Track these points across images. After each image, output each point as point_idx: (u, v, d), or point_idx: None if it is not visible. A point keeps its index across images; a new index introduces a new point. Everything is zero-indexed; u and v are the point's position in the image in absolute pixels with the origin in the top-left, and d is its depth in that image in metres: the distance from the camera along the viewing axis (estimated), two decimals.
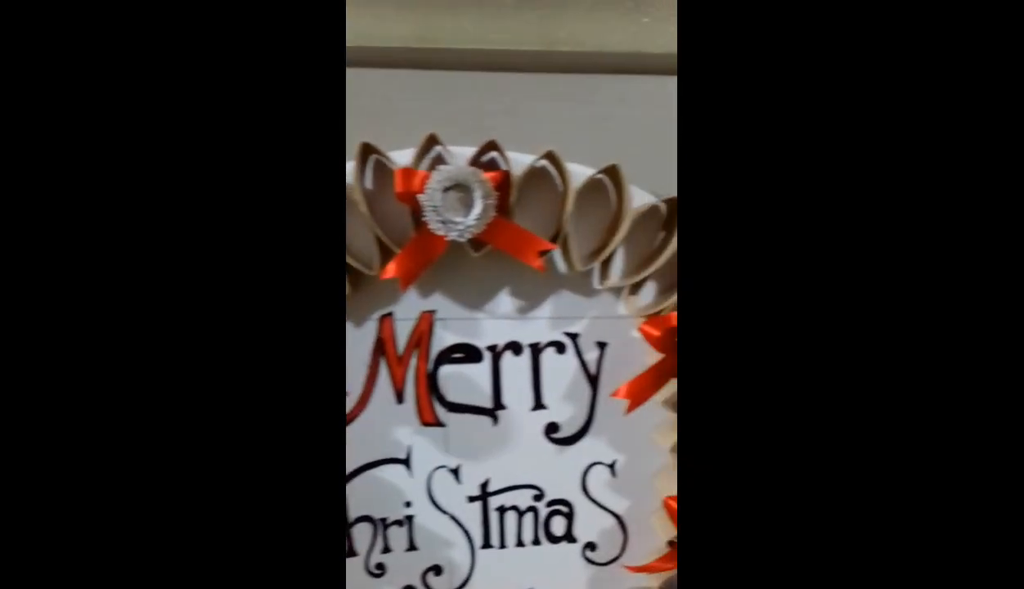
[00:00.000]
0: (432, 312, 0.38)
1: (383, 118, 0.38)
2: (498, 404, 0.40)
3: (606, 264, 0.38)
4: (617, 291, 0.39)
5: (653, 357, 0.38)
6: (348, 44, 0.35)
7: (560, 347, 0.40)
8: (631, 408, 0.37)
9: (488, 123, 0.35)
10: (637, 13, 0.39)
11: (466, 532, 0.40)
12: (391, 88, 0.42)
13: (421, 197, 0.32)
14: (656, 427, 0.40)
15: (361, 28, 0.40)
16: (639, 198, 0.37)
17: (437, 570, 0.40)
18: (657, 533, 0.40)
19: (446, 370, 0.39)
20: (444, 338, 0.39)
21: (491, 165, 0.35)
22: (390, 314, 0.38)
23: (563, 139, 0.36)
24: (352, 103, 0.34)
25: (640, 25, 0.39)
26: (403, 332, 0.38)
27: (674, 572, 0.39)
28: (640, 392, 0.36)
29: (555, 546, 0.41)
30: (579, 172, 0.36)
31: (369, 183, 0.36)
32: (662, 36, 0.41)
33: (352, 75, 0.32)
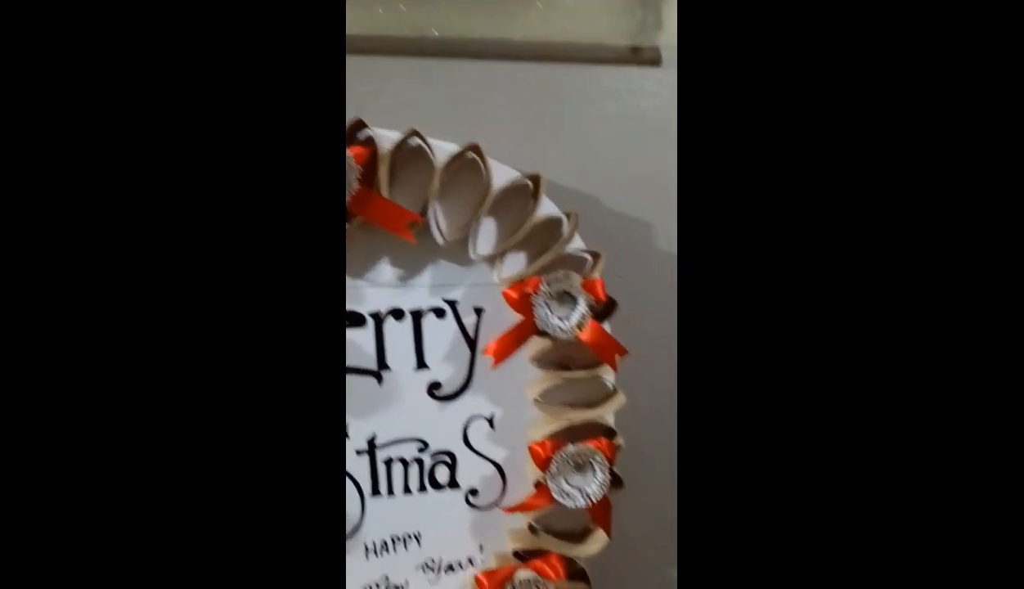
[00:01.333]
0: None
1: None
2: (383, 365, 0.42)
3: (477, 236, 0.40)
4: (491, 260, 0.42)
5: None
6: None
7: (440, 312, 0.42)
8: (496, 363, 0.40)
9: (358, 103, 0.36)
10: (504, 2, 0.41)
11: (355, 482, 0.42)
12: None
13: None
14: (527, 383, 0.43)
15: None
16: (506, 175, 0.40)
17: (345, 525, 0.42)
18: (530, 478, 0.44)
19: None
20: None
21: (358, 141, 0.37)
22: None
23: (430, 119, 0.38)
24: None
25: (503, 12, 0.41)
26: None
27: (543, 510, 0.42)
28: (504, 348, 0.39)
29: (440, 493, 0.44)
30: (444, 149, 0.38)
31: None
32: (534, 25, 0.43)
33: None
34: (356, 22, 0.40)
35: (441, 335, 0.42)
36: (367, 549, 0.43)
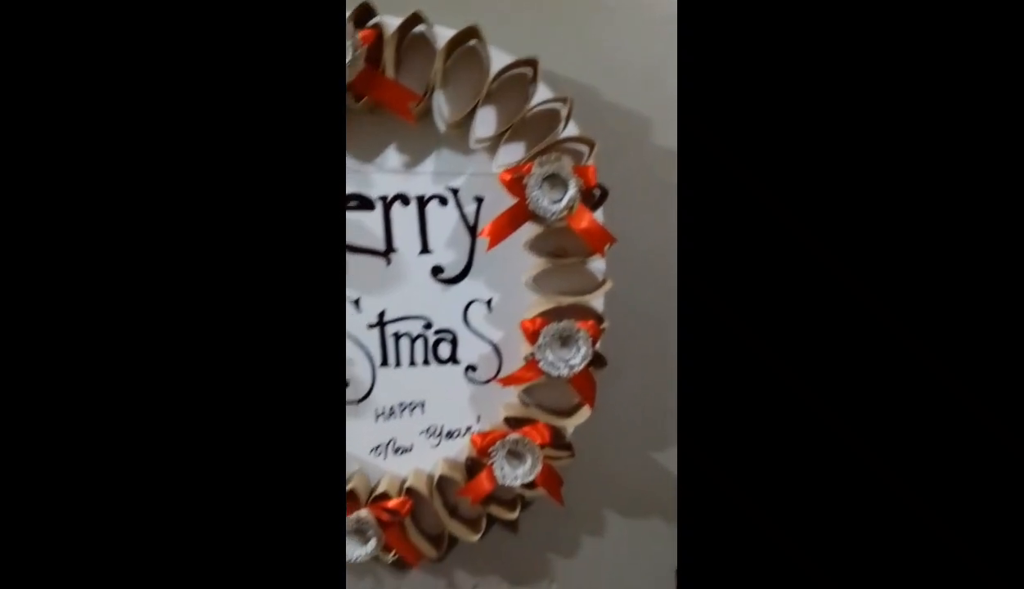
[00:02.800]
0: None
1: None
2: (390, 247, 0.44)
3: (476, 121, 0.41)
4: (490, 149, 0.43)
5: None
6: None
7: (443, 200, 0.44)
8: (491, 245, 0.41)
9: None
10: None
11: (367, 353, 0.46)
12: None
13: None
14: (523, 270, 0.45)
15: None
16: (502, 60, 0.40)
17: (345, 383, 0.47)
18: (522, 356, 0.47)
19: (348, 216, 0.43)
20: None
21: (363, 23, 0.38)
22: None
23: (433, 6, 0.38)
24: None
25: None
26: None
27: (532, 383, 0.45)
28: (499, 230, 0.41)
29: (442, 367, 0.47)
30: (445, 34, 0.39)
31: None
32: None
33: None
34: None
35: (444, 222, 0.44)
36: (376, 414, 0.47)
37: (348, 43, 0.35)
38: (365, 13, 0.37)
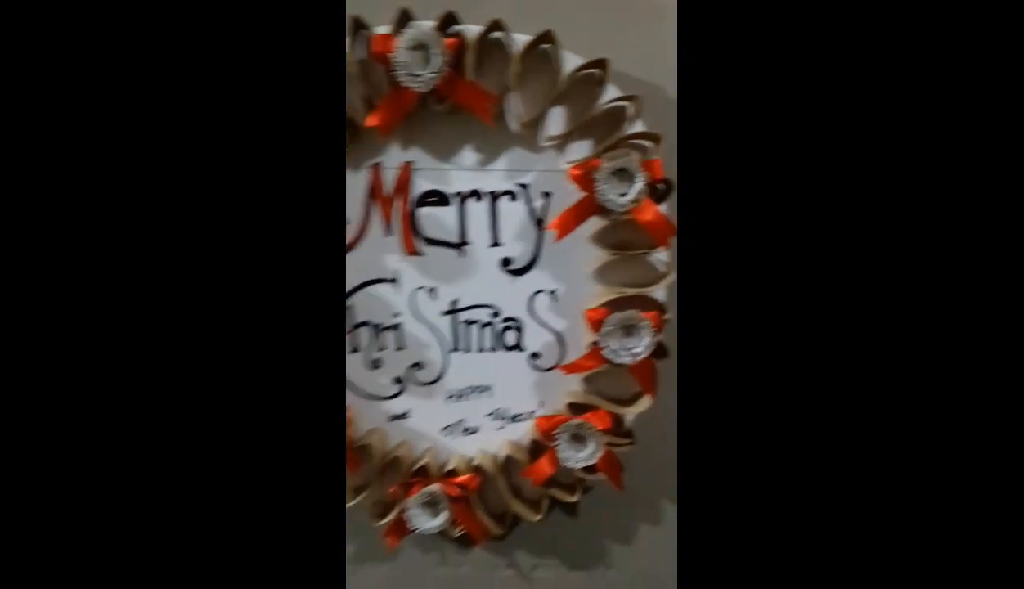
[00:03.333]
0: (411, 162, 0.45)
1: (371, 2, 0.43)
2: (464, 240, 0.47)
3: (548, 121, 0.43)
4: (559, 146, 0.45)
5: None
6: None
7: (513, 195, 0.46)
8: (560, 236, 0.43)
9: (450, 5, 0.40)
10: None
11: (440, 338, 0.49)
12: None
13: (392, 56, 0.38)
14: (587, 262, 0.47)
15: None
16: (575, 63, 0.42)
17: (419, 366, 0.49)
18: (585, 345, 0.48)
19: (423, 212, 0.46)
20: (420, 184, 0.46)
21: (449, 32, 0.40)
22: (379, 162, 0.45)
23: (513, 14, 0.40)
24: None
25: None
26: (389, 178, 0.46)
27: (595, 371, 0.46)
28: (567, 223, 0.42)
29: (508, 353, 0.49)
30: (522, 40, 0.41)
31: (360, 53, 0.42)
32: None
33: None
34: None
35: (513, 216, 0.46)
36: (448, 396, 0.50)
37: (435, 50, 0.38)
38: (449, 21, 0.40)
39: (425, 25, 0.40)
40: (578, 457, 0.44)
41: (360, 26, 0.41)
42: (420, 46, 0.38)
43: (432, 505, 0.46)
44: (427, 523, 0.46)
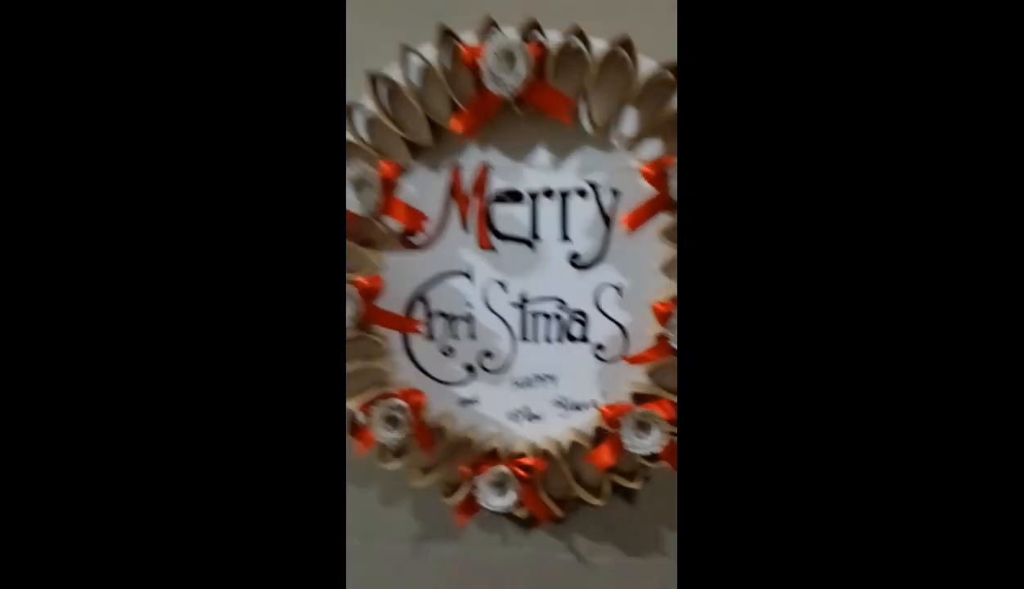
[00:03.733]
0: (488, 163, 0.48)
1: (451, 10, 0.46)
2: (535, 236, 0.49)
3: (621, 123, 0.45)
4: (629, 146, 0.46)
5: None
6: None
7: (583, 193, 0.48)
8: (632, 230, 0.45)
9: (528, 11, 0.42)
10: None
11: (510, 328, 0.51)
12: None
13: (480, 61, 0.41)
14: (653, 257, 0.48)
15: None
16: (649, 68, 0.43)
17: (489, 354, 0.52)
18: (649, 337, 0.49)
19: (498, 209, 0.49)
20: (496, 183, 0.48)
21: (534, 41, 0.43)
22: (458, 165, 0.48)
23: (591, 21, 0.42)
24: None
25: None
26: (468, 178, 0.49)
27: (659, 362, 0.47)
28: (639, 218, 0.44)
29: (573, 344, 0.51)
30: (601, 47, 0.43)
31: (445, 60, 0.45)
32: None
33: None
34: None
35: (583, 213, 0.48)
36: (515, 383, 0.52)
37: (521, 58, 0.40)
38: (532, 28, 0.43)
39: (511, 34, 0.42)
40: (643, 444, 0.45)
41: (447, 34, 0.44)
42: (506, 54, 0.41)
43: (501, 485, 0.48)
44: (496, 502, 0.48)
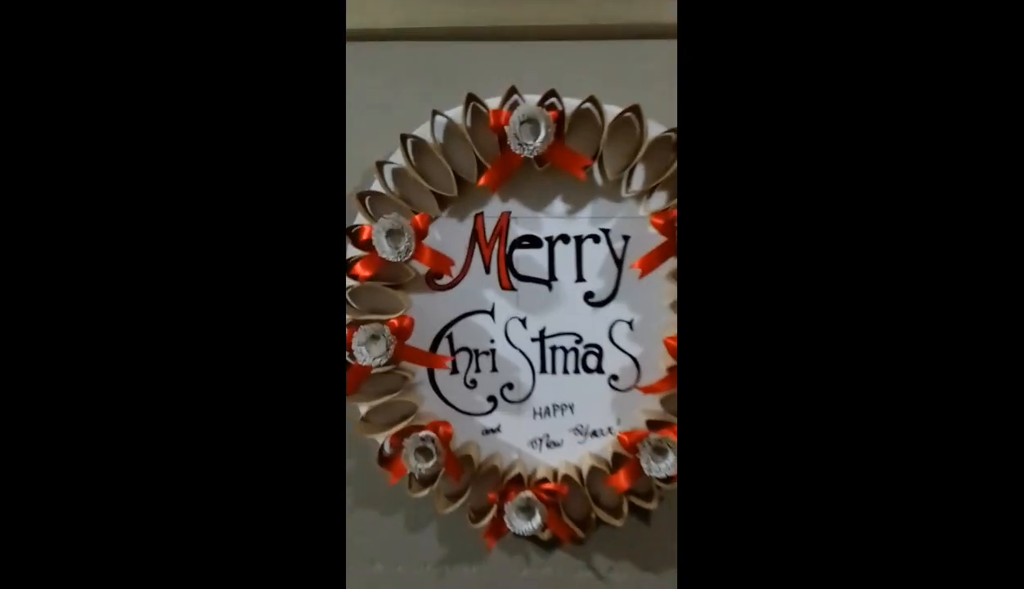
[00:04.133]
0: (508, 212, 0.52)
1: (471, 79, 0.50)
2: (552, 277, 0.53)
3: (630, 177, 0.49)
4: (638, 198, 0.51)
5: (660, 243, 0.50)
6: (446, 23, 0.47)
7: (596, 238, 0.52)
8: (643, 274, 0.49)
9: (544, 80, 0.47)
10: None
11: (529, 361, 0.55)
12: (476, 58, 0.55)
13: (506, 127, 0.45)
14: (662, 296, 0.52)
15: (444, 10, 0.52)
16: (656, 130, 0.48)
17: (510, 386, 0.55)
18: (661, 370, 0.53)
19: (518, 253, 0.53)
20: (516, 230, 0.53)
21: (551, 106, 0.47)
22: (481, 213, 0.52)
23: (600, 89, 0.47)
24: (455, 67, 0.47)
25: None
26: (490, 225, 0.52)
27: (671, 392, 0.51)
28: (649, 263, 0.48)
29: (589, 375, 0.55)
30: (613, 111, 0.48)
31: (469, 122, 0.49)
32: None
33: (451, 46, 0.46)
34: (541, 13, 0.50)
35: (596, 256, 0.52)
36: (535, 412, 0.55)
37: (543, 124, 0.44)
38: (549, 95, 0.47)
39: (532, 102, 0.47)
40: (660, 467, 0.49)
41: (472, 99, 0.48)
42: (529, 120, 0.45)
43: (527, 510, 0.51)
44: (523, 525, 0.51)
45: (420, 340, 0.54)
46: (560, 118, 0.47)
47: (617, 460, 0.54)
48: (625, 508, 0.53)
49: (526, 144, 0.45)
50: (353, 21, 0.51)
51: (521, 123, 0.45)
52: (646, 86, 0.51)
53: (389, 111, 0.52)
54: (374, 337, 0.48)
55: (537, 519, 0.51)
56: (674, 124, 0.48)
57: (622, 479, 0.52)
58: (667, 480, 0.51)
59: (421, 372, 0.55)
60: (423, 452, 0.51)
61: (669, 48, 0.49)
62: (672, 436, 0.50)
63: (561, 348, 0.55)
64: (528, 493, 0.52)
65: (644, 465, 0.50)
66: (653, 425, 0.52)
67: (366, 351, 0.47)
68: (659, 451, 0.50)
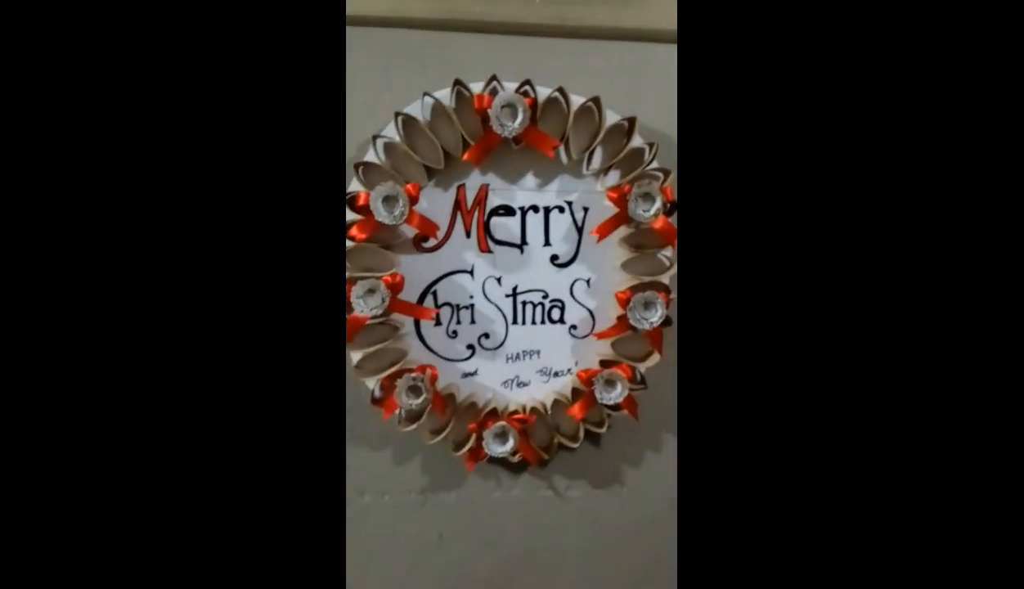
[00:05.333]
0: (487, 184, 0.59)
1: (459, 66, 0.56)
2: (524, 241, 0.61)
3: (591, 157, 0.57)
4: (596, 175, 0.59)
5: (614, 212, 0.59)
6: (446, 15, 0.53)
7: (561, 209, 0.60)
8: (600, 239, 0.58)
9: (525, 70, 0.54)
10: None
11: (503, 314, 0.63)
12: (461, 47, 0.60)
13: (488, 110, 0.51)
14: (615, 258, 0.62)
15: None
16: (612, 118, 0.57)
17: (487, 335, 0.63)
18: (612, 319, 0.63)
19: (495, 220, 0.60)
20: (493, 200, 0.60)
21: (526, 94, 0.54)
22: (463, 184, 0.59)
23: (567, 81, 0.54)
24: (441, 54, 0.52)
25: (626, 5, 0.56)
26: (471, 196, 0.59)
27: (620, 336, 0.61)
28: (605, 229, 0.57)
29: (553, 326, 0.63)
30: (577, 100, 0.55)
31: (454, 103, 0.55)
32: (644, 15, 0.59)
33: (444, 37, 0.51)
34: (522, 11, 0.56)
35: (561, 224, 0.61)
36: (507, 358, 0.63)
37: (520, 109, 0.51)
38: (526, 84, 0.54)
39: (511, 89, 0.53)
40: (610, 396, 0.59)
41: (458, 84, 0.54)
42: (508, 105, 0.51)
43: (503, 436, 0.59)
44: (499, 449, 0.59)
45: (408, 296, 0.60)
46: (534, 105, 0.54)
47: (575, 395, 0.63)
48: (581, 434, 0.63)
49: (506, 125, 0.52)
50: (353, 7, 0.55)
51: (502, 107, 0.52)
52: (607, 80, 0.59)
53: (382, 90, 0.57)
54: (371, 291, 0.54)
55: (510, 443, 0.60)
56: (628, 113, 0.56)
57: (578, 409, 0.61)
58: (615, 408, 0.61)
59: (408, 323, 0.62)
60: (414, 390, 0.57)
61: (627, 48, 0.58)
62: (621, 372, 0.60)
63: (530, 303, 0.63)
64: (503, 422, 0.60)
65: (597, 395, 0.59)
66: (605, 364, 0.62)
67: (363, 303, 0.53)
68: (609, 383, 0.60)
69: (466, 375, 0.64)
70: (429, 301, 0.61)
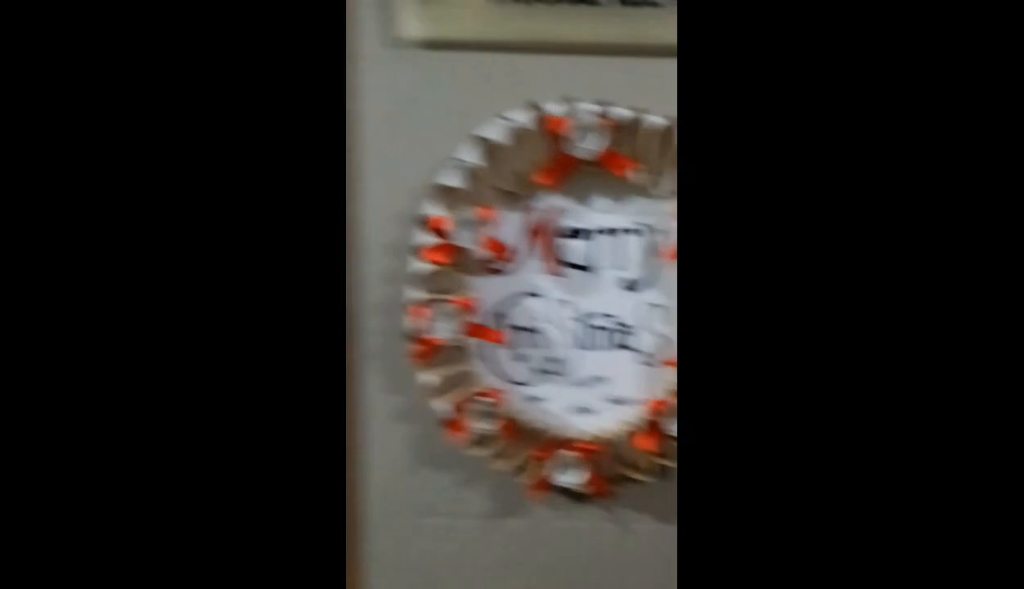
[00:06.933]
0: (558, 206, 0.57)
1: (531, 87, 0.55)
2: (595, 265, 0.58)
3: (663, 179, 0.55)
4: (668, 198, 0.56)
5: None
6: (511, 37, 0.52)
7: (635, 232, 0.58)
8: (674, 261, 0.55)
9: (605, 93, 0.52)
10: None
11: (572, 339, 0.60)
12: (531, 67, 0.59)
13: (565, 132, 0.50)
14: None
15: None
16: None
17: (554, 360, 0.60)
18: None
19: (566, 243, 0.58)
20: (565, 223, 0.58)
21: (604, 115, 0.52)
22: (535, 206, 0.57)
23: (640, 101, 0.52)
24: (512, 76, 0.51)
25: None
26: (542, 218, 0.57)
27: None
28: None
29: (623, 352, 0.60)
30: (653, 121, 0.53)
31: (533, 126, 0.54)
32: None
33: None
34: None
35: (634, 247, 0.58)
36: (574, 384, 0.60)
37: (597, 131, 0.50)
38: (603, 104, 0.52)
39: (589, 109, 0.52)
40: None
41: (534, 107, 0.53)
42: (587, 127, 0.50)
43: (570, 466, 0.56)
44: (569, 479, 0.56)
45: (477, 318, 0.59)
46: (612, 126, 0.52)
47: (646, 425, 0.59)
48: (649, 466, 0.59)
49: (585, 148, 0.50)
50: (413, 30, 0.54)
51: (580, 129, 0.50)
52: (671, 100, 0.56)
53: (452, 113, 0.57)
54: (447, 315, 0.53)
55: (579, 474, 0.57)
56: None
57: (650, 441, 0.58)
58: None
59: (476, 345, 0.60)
60: (484, 415, 0.55)
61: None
62: None
63: (600, 327, 0.60)
64: (571, 452, 0.57)
65: (669, 429, 0.55)
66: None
67: (440, 326, 0.52)
68: None
69: (532, 399, 0.61)
70: (498, 323, 0.60)
